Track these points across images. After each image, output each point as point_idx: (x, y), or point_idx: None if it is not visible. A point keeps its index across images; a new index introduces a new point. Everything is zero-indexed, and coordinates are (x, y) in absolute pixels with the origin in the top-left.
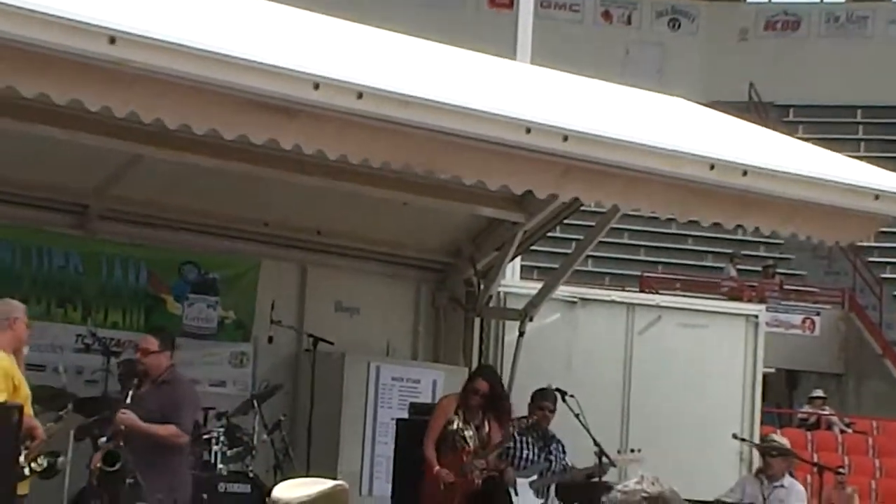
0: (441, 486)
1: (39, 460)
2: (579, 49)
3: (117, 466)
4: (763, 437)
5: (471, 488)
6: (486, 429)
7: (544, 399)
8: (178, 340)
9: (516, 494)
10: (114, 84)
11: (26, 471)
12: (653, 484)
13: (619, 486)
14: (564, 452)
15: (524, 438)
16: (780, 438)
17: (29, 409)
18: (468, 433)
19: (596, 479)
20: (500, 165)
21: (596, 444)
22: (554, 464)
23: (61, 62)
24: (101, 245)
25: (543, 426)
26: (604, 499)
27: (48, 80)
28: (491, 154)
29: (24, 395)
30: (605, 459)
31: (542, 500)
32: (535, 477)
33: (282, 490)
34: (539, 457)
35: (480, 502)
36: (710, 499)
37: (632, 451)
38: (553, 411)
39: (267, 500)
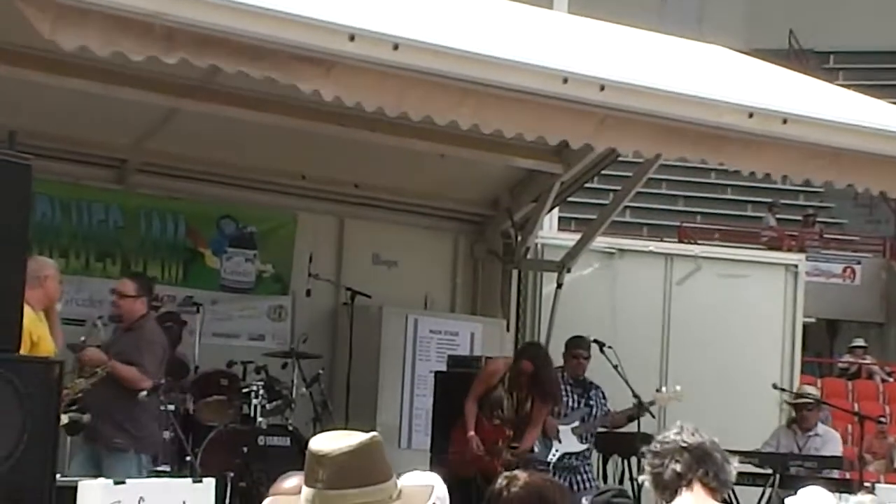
0: (474, 446)
1: (62, 418)
2: None
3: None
4: (795, 391)
5: (491, 470)
6: (528, 406)
7: (578, 347)
8: (216, 294)
9: (559, 442)
10: (154, 38)
11: None
12: (692, 434)
13: (659, 437)
14: (605, 398)
15: (563, 387)
16: (812, 389)
17: None
18: (507, 403)
19: (636, 421)
20: (536, 116)
21: (634, 395)
22: (595, 409)
23: (99, 15)
24: (140, 199)
25: (579, 373)
26: (643, 449)
27: (88, 32)
28: (528, 105)
29: (46, 351)
30: (644, 402)
31: (585, 446)
32: (576, 423)
33: (320, 442)
34: (579, 403)
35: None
36: (750, 449)
37: (674, 390)
38: (588, 358)
39: (306, 452)
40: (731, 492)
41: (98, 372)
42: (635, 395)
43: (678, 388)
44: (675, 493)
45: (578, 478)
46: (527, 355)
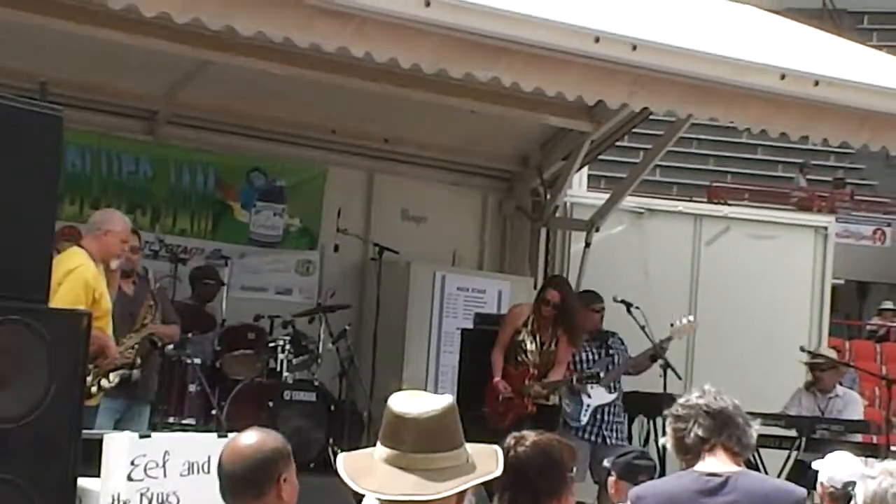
0: (499, 396)
1: (111, 377)
2: None
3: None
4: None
5: (524, 411)
6: (553, 346)
7: (592, 301)
8: (244, 248)
9: (589, 397)
10: None
11: (94, 389)
12: (715, 399)
13: (681, 400)
14: (623, 344)
15: (584, 347)
16: (828, 351)
17: (106, 326)
18: (531, 347)
19: (663, 374)
20: (567, 75)
21: (654, 346)
22: (617, 357)
23: None
24: (170, 150)
25: (596, 327)
26: (666, 412)
27: None
28: (559, 63)
29: (104, 308)
30: (662, 341)
31: (615, 395)
32: (602, 374)
33: (403, 404)
34: (600, 355)
35: (531, 425)
36: (777, 412)
37: (687, 321)
38: (601, 311)
39: (388, 412)
40: (755, 454)
41: (145, 328)
42: (654, 345)
43: (691, 318)
44: (697, 457)
45: (609, 432)
46: (553, 285)
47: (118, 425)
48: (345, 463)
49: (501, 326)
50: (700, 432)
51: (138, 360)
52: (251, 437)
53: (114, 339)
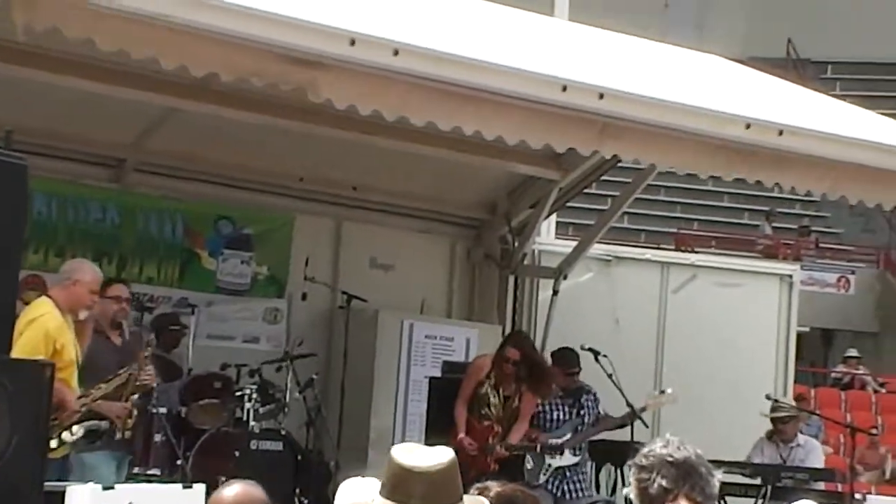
0: (466, 446)
1: (74, 429)
2: (618, 4)
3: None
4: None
5: (486, 470)
6: (517, 401)
7: (569, 364)
8: (212, 296)
9: (554, 456)
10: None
11: (53, 443)
12: (678, 448)
13: (644, 451)
14: (597, 400)
15: (553, 399)
16: (787, 400)
17: (69, 377)
18: (494, 401)
19: (630, 428)
20: (535, 123)
21: (628, 404)
22: (586, 416)
23: (103, 17)
24: (138, 198)
25: (570, 385)
26: (629, 462)
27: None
28: (526, 112)
29: (67, 359)
30: (636, 408)
31: (577, 458)
32: (568, 436)
33: (410, 457)
34: (570, 414)
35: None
36: (743, 459)
37: (661, 392)
38: (578, 373)
39: (394, 465)
40: (720, 502)
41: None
42: (629, 405)
43: (669, 390)
44: None
45: (571, 486)
46: (512, 342)
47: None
48: None
49: (464, 379)
50: (663, 482)
51: (135, 412)
52: (235, 490)
53: (78, 391)
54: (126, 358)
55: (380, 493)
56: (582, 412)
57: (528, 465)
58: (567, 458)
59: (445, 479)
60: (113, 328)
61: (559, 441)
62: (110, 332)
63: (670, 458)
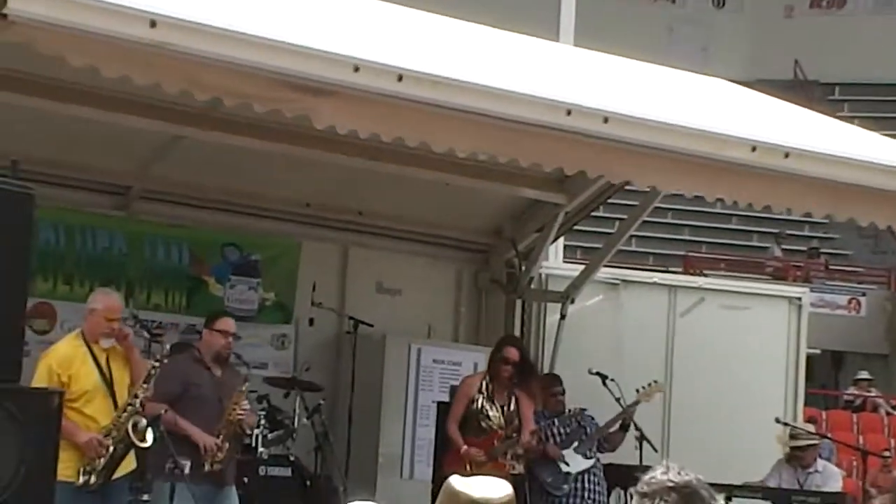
0: (468, 466)
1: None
2: (623, 28)
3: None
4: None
5: (504, 473)
6: (513, 406)
7: (552, 385)
8: None
9: (567, 465)
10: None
11: (82, 479)
12: (679, 474)
13: (645, 478)
14: (591, 417)
15: (548, 422)
16: (807, 426)
17: (83, 407)
18: (493, 412)
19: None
20: (540, 147)
21: (636, 427)
22: (588, 428)
23: (106, 44)
24: (144, 226)
25: (559, 409)
26: (631, 490)
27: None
28: (532, 136)
29: (78, 390)
30: (629, 405)
31: (592, 460)
32: (576, 443)
33: (477, 489)
34: (570, 427)
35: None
36: (753, 482)
37: (649, 384)
38: (563, 394)
39: (461, 498)
40: None
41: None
42: (637, 428)
43: (656, 381)
44: None
45: (592, 501)
46: (510, 342)
47: None
48: None
49: (454, 400)
50: None
51: (226, 446)
52: None
53: (103, 418)
54: (226, 391)
55: None
56: (583, 424)
57: (548, 478)
58: (581, 463)
59: None
60: (216, 362)
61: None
62: (212, 365)
63: (671, 484)
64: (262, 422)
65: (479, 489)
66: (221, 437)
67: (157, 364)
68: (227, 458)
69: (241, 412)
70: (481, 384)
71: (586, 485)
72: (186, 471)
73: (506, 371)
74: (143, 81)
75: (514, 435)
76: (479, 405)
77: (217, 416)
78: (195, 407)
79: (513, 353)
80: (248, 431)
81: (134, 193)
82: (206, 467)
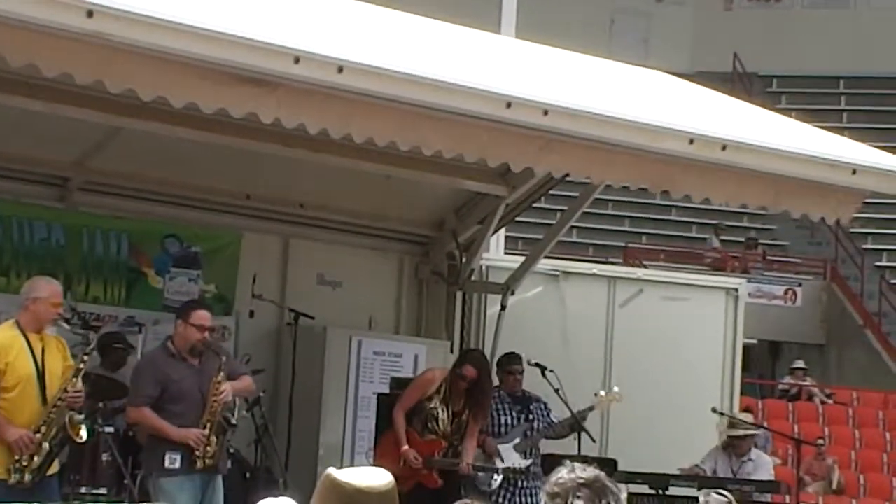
0: (401, 462)
1: (34, 460)
2: (565, 19)
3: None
4: (730, 418)
5: (432, 482)
6: (464, 418)
7: (511, 363)
8: (159, 315)
9: (502, 461)
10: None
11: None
12: (585, 470)
13: (552, 479)
14: (547, 409)
15: (501, 405)
16: (745, 416)
17: (18, 396)
18: (442, 416)
19: (578, 436)
20: (480, 140)
21: (572, 414)
22: (536, 422)
23: (44, 36)
24: (83, 217)
25: (516, 389)
26: (540, 493)
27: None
28: (472, 128)
29: (14, 379)
30: (582, 411)
31: (529, 461)
32: (517, 440)
33: (360, 479)
34: (518, 420)
35: (432, 498)
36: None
37: (608, 391)
38: (522, 373)
39: (346, 488)
40: None
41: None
42: (573, 414)
43: (616, 388)
44: None
45: (524, 499)
46: (472, 360)
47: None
48: None
49: (410, 388)
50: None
51: (213, 440)
52: None
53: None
54: (205, 379)
55: None
56: (531, 417)
57: (479, 472)
58: (516, 461)
59: (394, 496)
60: (192, 354)
61: (509, 443)
62: (188, 357)
63: (582, 480)
64: None
65: (362, 479)
66: (208, 428)
67: (85, 358)
68: (218, 451)
69: (220, 395)
70: (441, 385)
71: (520, 483)
72: (177, 465)
73: (461, 385)
74: (85, 81)
75: (456, 459)
76: (432, 405)
77: (200, 407)
78: (177, 403)
79: (470, 371)
80: (233, 418)
81: (73, 185)
82: (199, 464)
